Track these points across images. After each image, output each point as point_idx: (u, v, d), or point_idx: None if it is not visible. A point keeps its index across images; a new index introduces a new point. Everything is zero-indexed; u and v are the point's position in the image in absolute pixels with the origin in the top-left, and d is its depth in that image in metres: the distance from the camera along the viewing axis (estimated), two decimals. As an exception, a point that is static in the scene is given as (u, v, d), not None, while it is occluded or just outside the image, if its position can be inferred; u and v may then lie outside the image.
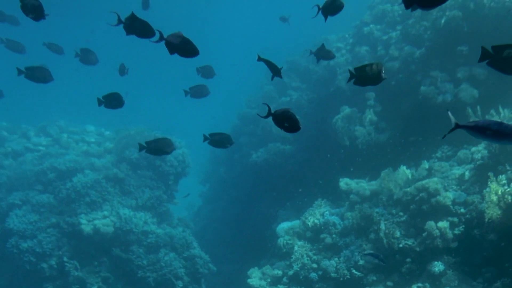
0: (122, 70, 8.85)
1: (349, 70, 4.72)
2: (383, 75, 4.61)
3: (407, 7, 3.61)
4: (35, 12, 5.15)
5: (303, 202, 12.15)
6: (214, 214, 18.18)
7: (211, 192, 20.45)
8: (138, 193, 11.99)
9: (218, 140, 6.40)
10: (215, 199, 19.17)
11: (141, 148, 6.19)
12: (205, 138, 6.26)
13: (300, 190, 12.68)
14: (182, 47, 4.99)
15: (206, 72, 8.60)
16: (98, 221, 10.69)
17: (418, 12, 11.24)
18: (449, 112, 3.63)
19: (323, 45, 7.98)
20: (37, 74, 6.46)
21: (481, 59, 3.62)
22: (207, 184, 21.40)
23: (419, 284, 7.59)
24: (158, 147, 6.28)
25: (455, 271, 7.51)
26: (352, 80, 4.71)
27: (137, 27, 5.12)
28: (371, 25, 12.54)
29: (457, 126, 3.53)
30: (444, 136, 3.80)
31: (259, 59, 5.68)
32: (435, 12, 10.59)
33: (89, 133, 13.72)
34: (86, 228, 10.56)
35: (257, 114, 5.22)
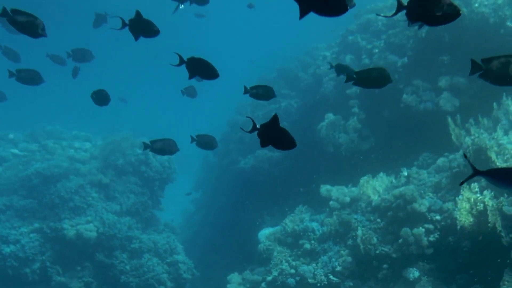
0: (76, 73, 8.90)
1: (347, 74, 4.77)
2: (388, 78, 4.56)
3: (410, 21, 3.55)
4: (32, 29, 4.49)
5: (289, 208, 12.24)
6: (206, 220, 18.24)
7: (203, 198, 20.54)
8: (122, 199, 12.05)
9: (205, 142, 6.57)
10: (207, 205, 19.24)
11: (145, 147, 6.29)
12: (192, 140, 6.43)
13: (280, 201, 12.76)
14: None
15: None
16: (81, 226, 10.74)
17: (402, 21, 11.40)
18: (467, 158, 3.47)
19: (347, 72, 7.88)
20: (28, 76, 6.55)
21: (472, 72, 3.60)
22: (200, 190, 21.51)
23: (395, 290, 7.66)
24: (162, 147, 6.37)
25: (430, 277, 7.57)
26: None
27: (142, 27, 5.07)
28: (356, 34, 12.70)
29: (476, 173, 3.33)
30: (462, 183, 3.59)
31: (246, 91, 5.65)
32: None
33: (76, 139, 13.78)
34: (69, 233, 10.60)
35: (241, 128, 4.85)
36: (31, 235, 10.77)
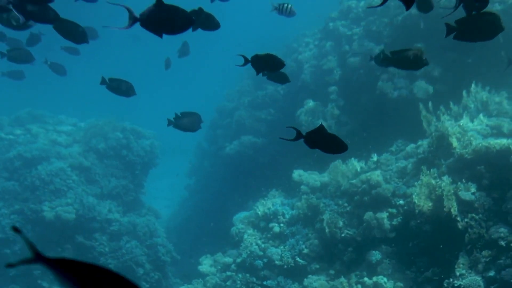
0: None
1: (383, 51, 4.82)
2: (424, 60, 4.58)
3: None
4: (76, 36, 5.01)
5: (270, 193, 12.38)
6: (198, 206, 18.45)
7: (196, 185, 20.71)
8: (103, 182, 12.23)
9: (190, 120, 6.60)
10: (199, 191, 19.44)
11: (169, 123, 6.28)
12: (177, 117, 6.38)
13: (262, 186, 12.88)
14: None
15: (185, 51, 10.89)
16: (60, 208, 10.93)
17: (380, 8, 11.44)
18: None
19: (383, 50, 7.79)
20: (19, 55, 6.69)
21: (447, 34, 3.94)
22: (193, 177, 21.69)
23: (357, 273, 7.84)
24: (186, 123, 6.35)
25: (392, 260, 7.75)
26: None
27: (202, 20, 5.18)
28: (336, 21, 12.74)
29: None
30: None
31: (263, 74, 5.55)
32: (393, 9, 10.81)
33: (61, 123, 13.93)
34: (48, 214, 10.79)
35: (280, 138, 4.51)
36: (12, 216, 10.96)
